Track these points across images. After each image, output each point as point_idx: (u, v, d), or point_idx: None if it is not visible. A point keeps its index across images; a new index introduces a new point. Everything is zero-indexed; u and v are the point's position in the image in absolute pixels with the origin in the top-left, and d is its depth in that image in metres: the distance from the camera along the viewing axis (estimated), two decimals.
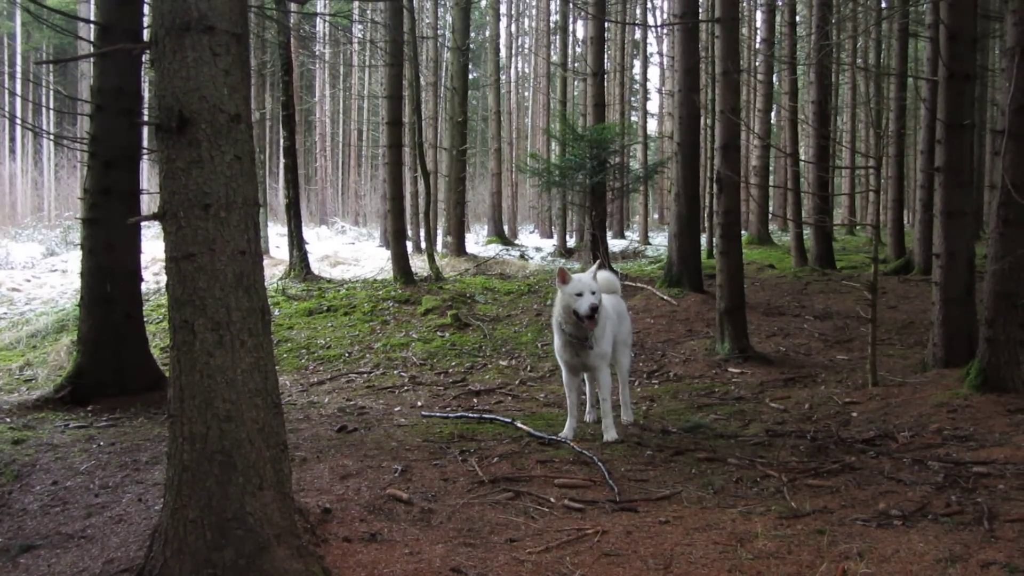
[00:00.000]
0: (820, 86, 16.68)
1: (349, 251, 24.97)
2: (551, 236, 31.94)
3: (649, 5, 38.63)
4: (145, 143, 8.21)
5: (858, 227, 30.80)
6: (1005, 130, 6.39)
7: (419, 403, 7.68)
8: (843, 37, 23.61)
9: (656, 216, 42.18)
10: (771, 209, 26.26)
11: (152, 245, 15.67)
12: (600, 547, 3.75)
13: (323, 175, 45.50)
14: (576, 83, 33.06)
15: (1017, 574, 3.23)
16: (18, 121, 17.16)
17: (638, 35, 37.97)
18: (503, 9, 39.13)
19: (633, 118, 42.78)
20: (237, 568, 3.07)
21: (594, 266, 5.93)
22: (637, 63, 41.73)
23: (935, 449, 5.30)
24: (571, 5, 28.50)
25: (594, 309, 5.54)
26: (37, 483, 4.93)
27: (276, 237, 24.43)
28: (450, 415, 6.78)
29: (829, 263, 16.90)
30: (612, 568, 3.51)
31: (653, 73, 51.60)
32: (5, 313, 13.99)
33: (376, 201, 37.21)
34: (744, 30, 31.04)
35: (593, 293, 5.57)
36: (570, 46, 32.28)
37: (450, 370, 9.25)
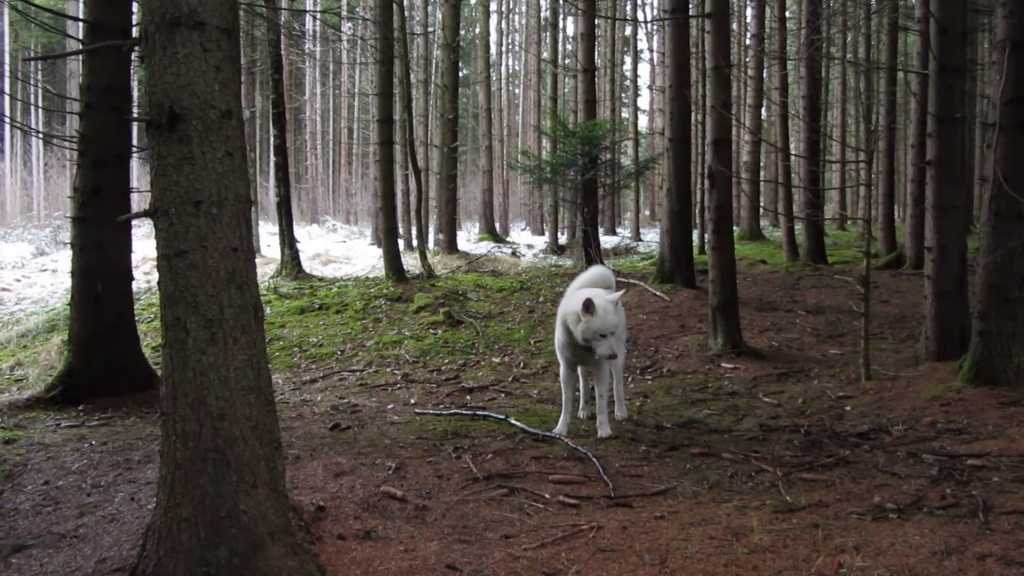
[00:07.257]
0: (811, 81, 16.70)
1: (340, 249, 24.91)
2: (543, 233, 31.95)
3: (639, 1, 38.72)
4: (135, 141, 8.16)
5: (849, 222, 30.89)
6: (996, 123, 6.41)
7: (412, 400, 7.66)
8: (833, 32, 23.68)
9: (647, 212, 42.27)
10: (762, 204, 26.31)
11: (143, 244, 15.62)
12: (595, 543, 3.74)
13: (313, 173, 45.42)
14: (567, 80, 33.10)
15: (1013, 566, 3.23)
16: (7, 120, 17.02)
17: (628, 31, 37.96)
18: (493, 6, 39.14)
19: (624, 114, 42.79)
20: (231, 566, 3.05)
21: (617, 294, 5.75)
22: (628, 59, 41.72)
23: (929, 442, 5.31)
24: (561, 1, 28.49)
25: (611, 358, 5.59)
26: (29, 483, 4.90)
27: (267, 236, 24.40)
28: (443, 412, 6.76)
29: (821, 258, 16.95)
30: (607, 564, 3.50)
31: (644, 69, 51.55)
32: None
33: (367, 199, 37.15)
34: (734, 25, 31.08)
35: (613, 334, 5.55)
36: (560, 43, 32.30)
37: (443, 367, 9.23)
